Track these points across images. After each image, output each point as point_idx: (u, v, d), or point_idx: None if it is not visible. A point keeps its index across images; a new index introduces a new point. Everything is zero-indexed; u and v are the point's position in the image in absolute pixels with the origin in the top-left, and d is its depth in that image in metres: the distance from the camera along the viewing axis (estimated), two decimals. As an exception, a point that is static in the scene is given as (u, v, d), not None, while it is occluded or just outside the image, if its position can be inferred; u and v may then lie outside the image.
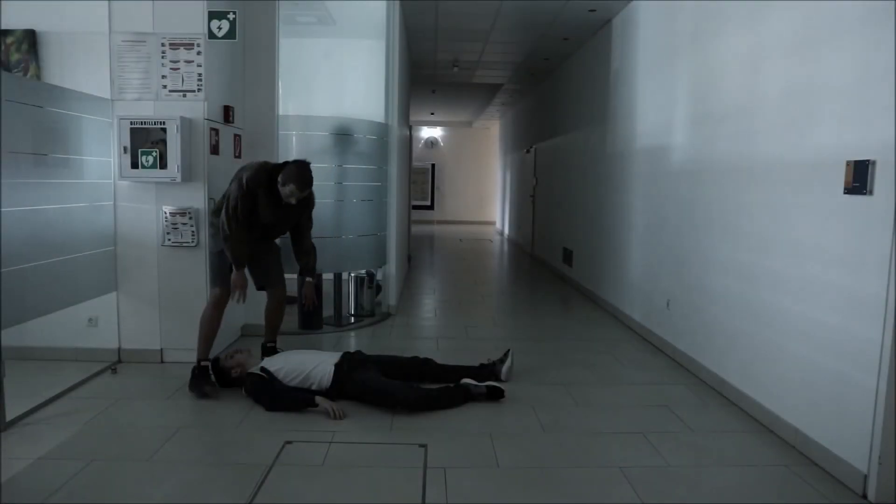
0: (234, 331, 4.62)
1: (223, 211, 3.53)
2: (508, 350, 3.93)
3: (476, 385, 3.52)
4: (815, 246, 2.89)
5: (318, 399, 3.32)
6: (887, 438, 2.46)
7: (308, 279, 3.92)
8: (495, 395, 3.50)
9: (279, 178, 3.54)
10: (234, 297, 3.64)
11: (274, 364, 3.51)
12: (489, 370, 3.81)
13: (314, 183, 3.65)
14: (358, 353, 3.76)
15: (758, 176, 3.44)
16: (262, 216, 3.59)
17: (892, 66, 2.43)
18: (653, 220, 5.04)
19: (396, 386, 3.43)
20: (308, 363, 3.52)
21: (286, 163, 3.64)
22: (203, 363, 3.60)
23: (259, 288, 3.93)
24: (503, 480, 2.65)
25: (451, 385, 3.56)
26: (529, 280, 8.58)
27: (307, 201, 3.75)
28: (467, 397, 3.48)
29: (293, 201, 3.59)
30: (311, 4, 5.38)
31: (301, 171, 3.55)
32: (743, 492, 2.61)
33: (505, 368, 3.83)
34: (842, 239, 2.71)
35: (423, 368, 3.78)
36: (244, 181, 3.50)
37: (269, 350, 3.91)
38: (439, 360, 3.93)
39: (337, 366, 3.49)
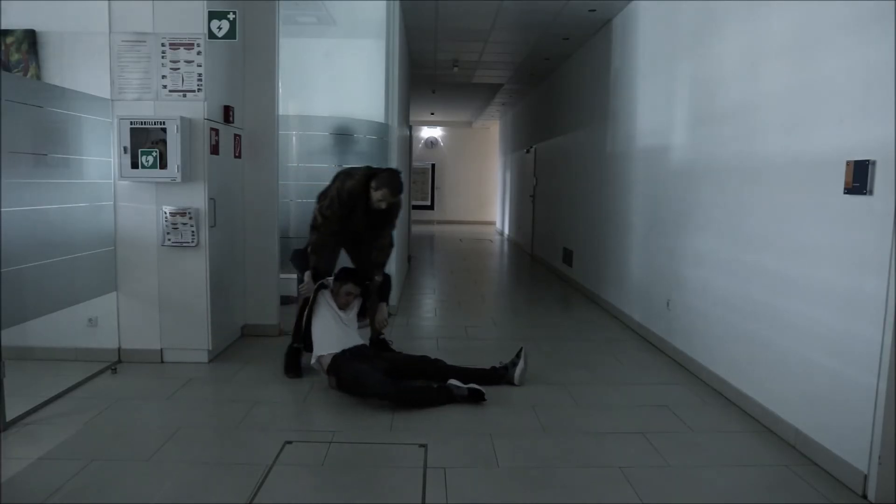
0: (235, 331, 4.62)
1: (316, 207, 3.87)
2: (521, 350, 3.83)
3: (458, 387, 3.48)
4: (815, 246, 2.89)
5: (308, 281, 3.79)
6: (887, 438, 2.46)
7: (382, 303, 4.04)
8: (476, 397, 3.44)
9: (372, 184, 3.79)
10: (306, 289, 3.85)
11: (322, 303, 3.75)
12: (500, 374, 3.73)
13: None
14: (366, 347, 3.81)
15: (758, 176, 3.44)
16: (355, 222, 3.87)
17: (892, 66, 2.43)
18: (653, 220, 5.04)
19: (375, 378, 3.44)
20: (333, 332, 3.69)
21: (378, 170, 3.93)
22: (296, 345, 3.94)
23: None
24: (503, 480, 2.65)
25: (434, 385, 3.54)
26: (529, 280, 8.58)
27: (393, 209, 3.97)
28: (449, 398, 3.45)
29: (383, 206, 3.83)
30: (311, 4, 5.38)
31: (393, 177, 3.84)
32: (743, 492, 2.61)
33: (518, 372, 3.72)
34: (842, 239, 2.71)
35: (429, 368, 3.73)
36: (346, 189, 3.79)
37: (381, 342, 4.17)
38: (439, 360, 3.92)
39: (337, 355, 3.58)
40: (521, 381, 3.73)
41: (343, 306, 3.81)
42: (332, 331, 3.69)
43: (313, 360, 3.68)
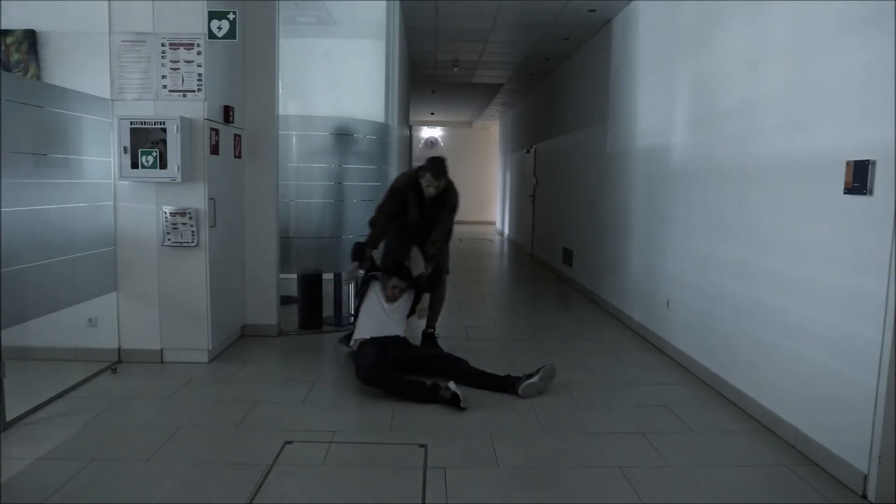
0: (235, 331, 4.62)
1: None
2: (543, 367, 3.64)
3: (446, 388, 3.43)
4: (815, 246, 2.89)
5: (353, 267, 4.22)
6: (887, 438, 2.46)
7: (425, 294, 4.19)
8: (454, 402, 3.37)
9: (419, 174, 4.16)
10: (348, 275, 4.40)
11: (371, 294, 4.09)
12: (510, 383, 3.62)
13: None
14: (402, 340, 3.95)
15: (758, 176, 3.44)
16: (410, 215, 4.24)
17: (892, 67, 2.43)
18: (653, 220, 5.04)
19: (367, 364, 3.60)
20: (373, 320, 3.96)
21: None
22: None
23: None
24: (503, 480, 2.65)
25: (428, 382, 3.52)
26: (529, 280, 8.58)
27: (446, 199, 4.24)
28: (433, 398, 3.43)
29: (431, 191, 4.14)
30: (311, 4, 5.38)
31: (434, 162, 4.18)
32: (743, 492, 2.61)
33: (524, 385, 3.56)
34: (842, 239, 2.71)
35: (448, 366, 3.76)
36: (396, 185, 4.29)
37: (429, 336, 4.44)
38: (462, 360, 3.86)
39: (365, 340, 3.84)
40: (526, 394, 3.56)
41: (391, 299, 4.06)
42: (372, 319, 3.97)
43: (352, 343, 3.97)
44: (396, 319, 4.03)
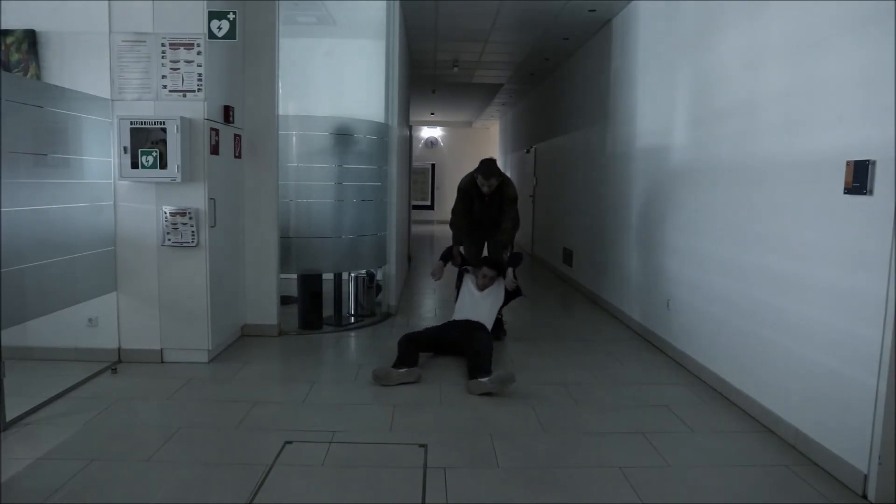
0: (235, 331, 4.62)
1: None
2: (501, 374, 3.63)
3: (399, 368, 3.80)
4: (815, 246, 2.89)
5: (439, 266, 4.78)
6: (887, 438, 2.46)
7: (510, 268, 4.67)
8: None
9: (474, 175, 4.77)
10: (433, 273, 4.79)
11: (464, 283, 4.74)
12: (474, 375, 3.69)
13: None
14: (472, 324, 4.36)
15: (758, 176, 3.44)
16: (476, 212, 4.90)
17: (892, 66, 2.43)
18: (652, 220, 5.04)
19: (419, 331, 4.40)
20: (462, 305, 4.58)
21: None
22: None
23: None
24: (503, 480, 2.65)
25: (411, 360, 3.91)
26: (529, 280, 8.57)
27: (501, 194, 4.80)
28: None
29: (485, 189, 4.74)
30: (311, 4, 5.38)
31: (483, 164, 4.79)
32: (743, 492, 2.61)
33: (472, 381, 3.63)
34: (842, 239, 2.71)
35: (466, 340, 4.11)
36: (459, 186, 4.91)
37: (497, 321, 4.83)
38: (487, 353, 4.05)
39: (449, 322, 4.49)
40: (470, 390, 3.60)
41: (481, 287, 4.63)
42: (462, 307, 4.57)
43: None
44: (482, 305, 4.53)
